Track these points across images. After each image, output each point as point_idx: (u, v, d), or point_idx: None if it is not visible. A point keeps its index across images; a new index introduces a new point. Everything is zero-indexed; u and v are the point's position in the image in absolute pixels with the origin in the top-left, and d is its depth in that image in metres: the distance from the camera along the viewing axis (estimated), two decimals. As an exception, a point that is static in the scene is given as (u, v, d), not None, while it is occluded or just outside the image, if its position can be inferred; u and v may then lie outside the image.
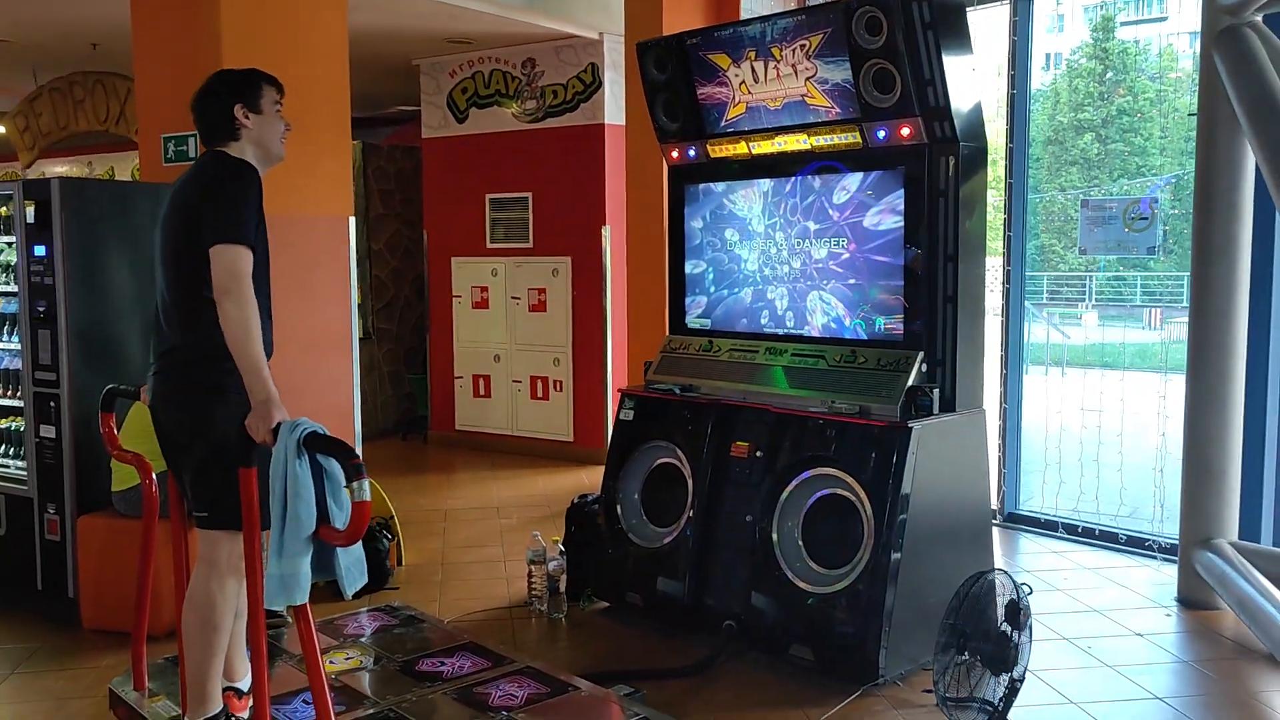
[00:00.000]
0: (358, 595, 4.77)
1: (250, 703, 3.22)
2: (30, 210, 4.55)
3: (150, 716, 3.39)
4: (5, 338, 4.85)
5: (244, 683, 3.34)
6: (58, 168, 11.35)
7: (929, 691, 3.67)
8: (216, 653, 3.10)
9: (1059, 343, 10.21)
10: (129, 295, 4.76)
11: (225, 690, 3.23)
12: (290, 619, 3.99)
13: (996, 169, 6.24)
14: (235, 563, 3.05)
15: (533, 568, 4.80)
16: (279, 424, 2.79)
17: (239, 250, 2.91)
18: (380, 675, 3.79)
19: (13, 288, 4.75)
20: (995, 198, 6.40)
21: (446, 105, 8.65)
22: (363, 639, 4.16)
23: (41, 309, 4.59)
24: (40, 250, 4.56)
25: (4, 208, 4.79)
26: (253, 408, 2.84)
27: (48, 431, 4.63)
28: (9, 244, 4.81)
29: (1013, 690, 3.39)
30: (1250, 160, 4.60)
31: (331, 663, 3.83)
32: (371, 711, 3.43)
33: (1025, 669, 3.41)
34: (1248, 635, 4.37)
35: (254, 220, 3.01)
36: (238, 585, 3.09)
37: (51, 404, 4.60)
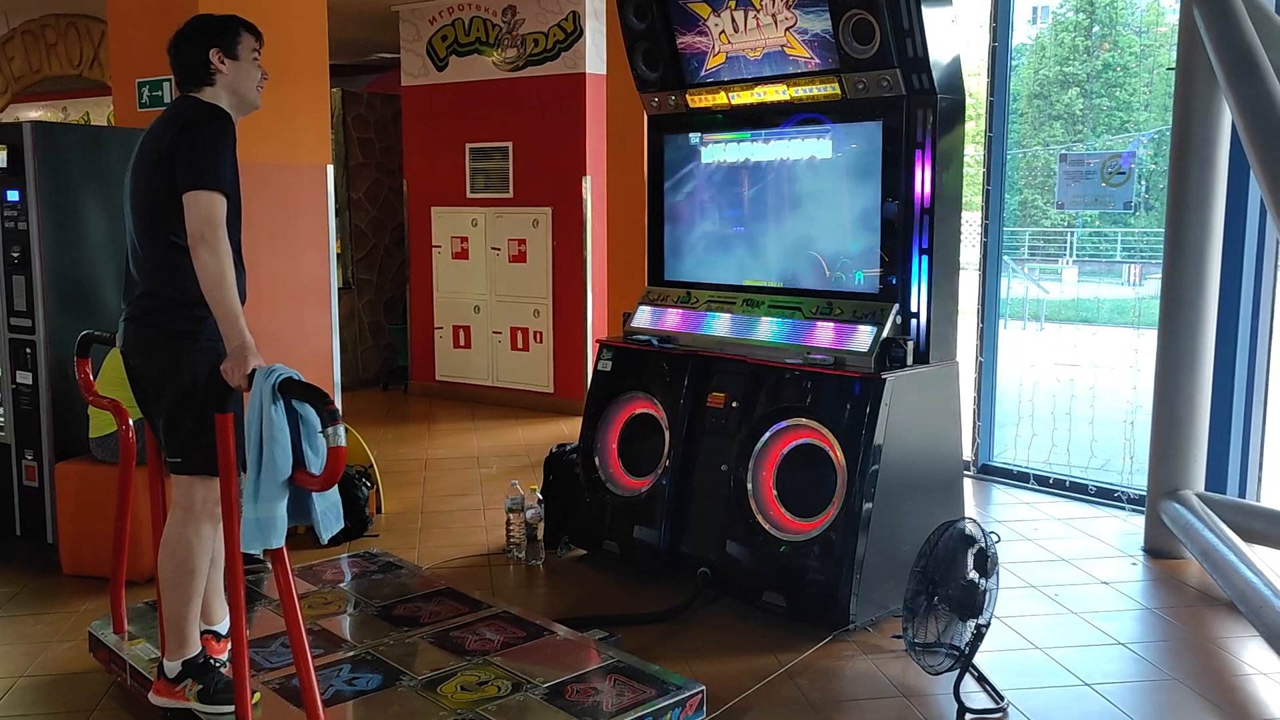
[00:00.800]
0: (336, 542, 4.86)
1: (228, 646, 3.26)
2: (2, 155, 4.50)
3: (130, 659, 3.43)
4: (-21, 284, 4.82)
5: (222, 626, 3.38)
6: (32, 113, 11.19)
7: (898, 637, 3.75)
8: (194, 597, 3.13)
9: (1038, 298, 10.28)
10: (104, 241, 4.73)
11: (203, 633, 3.26)
12: (267, 562, 4.03)
13: (979, 123, 6.24)
14: (210, 508, 3.07)
15: (511, 516, 4.85)
16: (254, 370, 2.80)
17: (214, 196, 2.88)
18: (358, 620, 3.84)
19: (-14, 233, 4.71)
20: (977, 151, 6.41)
21: (426, 53, 8.56)
22: (341, 584, 4.20)
23: (15, 255, 4.56)
24: (13, 195, 4.52)
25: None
26: (228, 353, 2.85)
27: (24, 378, 4.62)
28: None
29: (979, 635, 3.46)
30: (1226, 115, 4.62)
31: (310, 607, 3.87)
32: (349, 655, 3.48)
33: (992, 615, 3.48)
34: (1211, 584, 4.47)
35: (229, 166, 2.98)
36: (213, 530, 3.12)
37: (27, 350, 4.59)
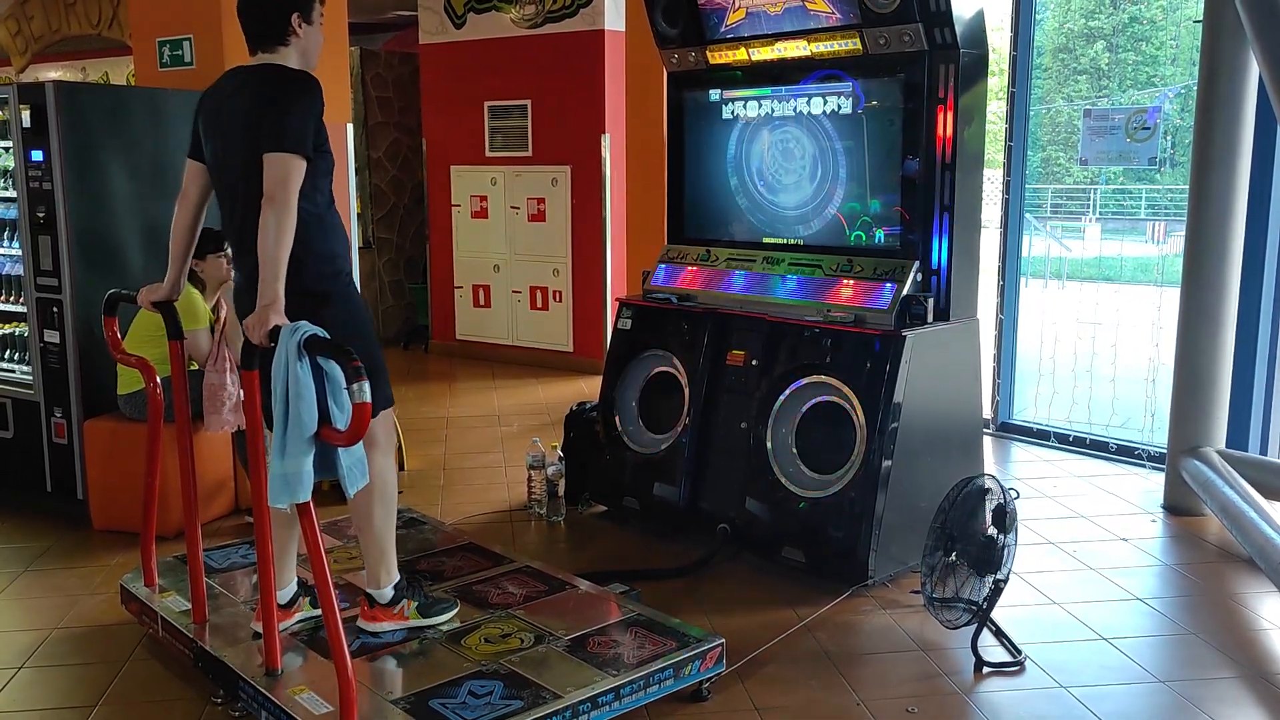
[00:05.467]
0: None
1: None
2: (26, 115, 4.53)
3: (161, 611, 3.50)
4: (6, 243, 4.87)
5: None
6: (52, 73, 11.20)
7: (916, 592, 3.78)
8: (393, 522, 3.34)
9: (1060, 256, 10.20)
10: (128, 200, 4.76)
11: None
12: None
13: (1001, 79, 6.17)
14: (388, 436, 3.35)
15: (532, 473, 4.90)
16: (277, 328, 2.83)
17: (291, 159, 2.93)
18: (383, 574, 3.89)
19: (12, 193, 4.75)
20: (999, 107, 6.34)
21: (444, 10, 8.51)
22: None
23: (41, 214, 4.60)
24: (37, 155, 4.55)
25: (0, 112, 4.77)
26: (256, 309, 2.88)
27: (52, 337, 4.68)
28: (6, 149, 4.80)
29: (997, 591, 3.49)
30: (1254, 70, 4.55)
31: (336, 562, 3.93)
32: (375, 608, 3.53)
33: (1010, 571, 3.50)
34: (1230, 540, 4.47)
35: (312, 132, 3.01)
36: (393, 459, 3.37)
37: (54, 309, 4.65)
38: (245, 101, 3.06)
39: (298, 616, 3.38)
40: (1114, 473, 5.56)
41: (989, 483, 3.51)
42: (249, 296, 3.04)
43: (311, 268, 3.07)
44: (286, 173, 2.91)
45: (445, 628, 3.35)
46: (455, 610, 3.44)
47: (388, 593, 3.33)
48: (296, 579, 3.41)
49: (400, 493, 5.17)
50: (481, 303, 8.73)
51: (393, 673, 3.15)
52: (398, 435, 3.77)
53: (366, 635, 3.31)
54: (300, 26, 3.14)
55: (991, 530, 3.47)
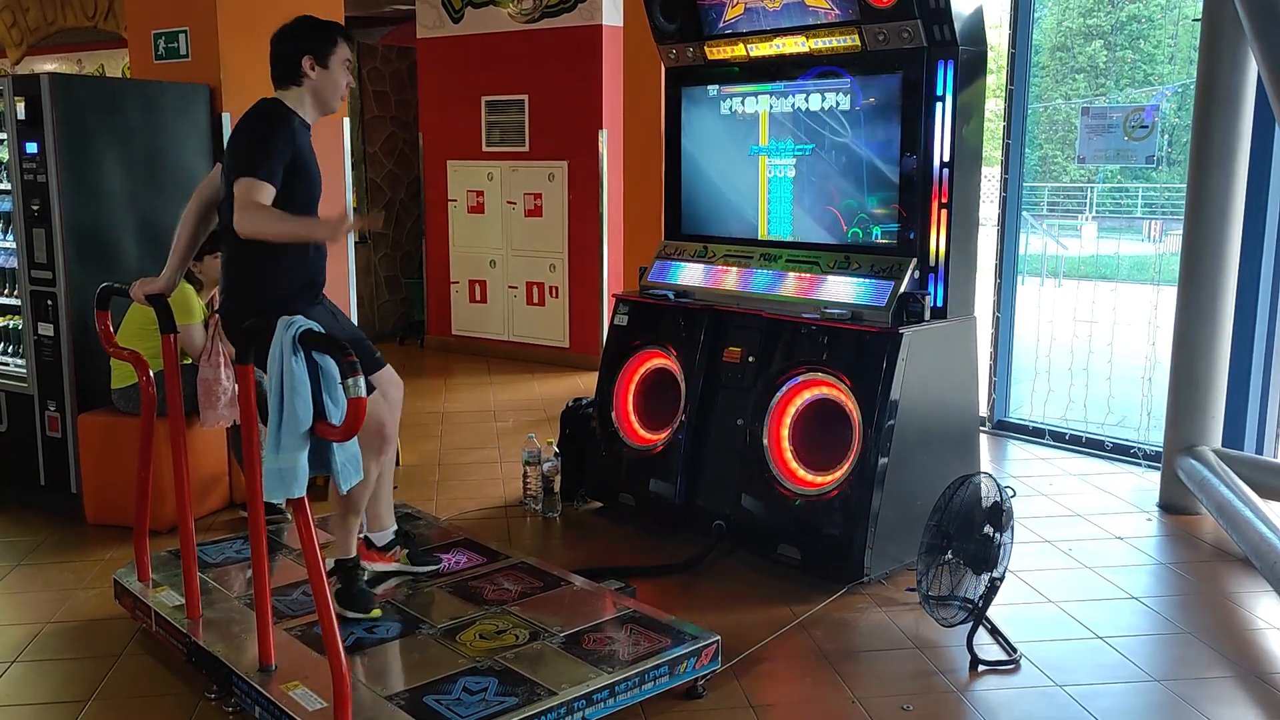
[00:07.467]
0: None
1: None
2: (21, 107, 4.51)
3: (154, 605, 3.49)
4: (0, 236, 4.85)
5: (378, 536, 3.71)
6: (47, 65, 11.15)
7: (912, 590, 3.77)
8: (390, 471, 3.64)
9: (1057, 254, 10.20)
10: (123, 192, 4.74)
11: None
12: (288, 513, 4.08)
13: (1000, 76, 6.16)
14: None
15: (528, 469, 4.89)
16: (346, 222, 3.06)
17: (253, 183, 3.02)
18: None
19: (6, 186, 4.73)
20: (997, 105, 6.34)
21: (442, 5, 8.48)
22: (361, 535, 4.24)
23: (35, 207, 4.57)
24: (32, 147, 4.53)
25: (-5, 104, 4.75)
26: (322, 237, 3.19)
27: (46, 330, 4.66)
28: (1, 141, 4.78)
29: (993, 589, 3.48)
30: (1252, 68, 4.55)
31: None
32: (369, 603, 3.53)
33: (1006, 569, 3.50)
34: (1226, 539, 4.48)
35: (278, 157, 3.10)
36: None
37: (49, 302, 4.63)
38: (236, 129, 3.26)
39: (394, 565, 3.69)
40: (1110, 471, 5.56)
41: (985, 481, 3.51)
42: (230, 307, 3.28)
43: (254, 301, 3.19)
44: (243, 194, 3.00)
45: (440, 624, 3.35)
46: (439, 566, 3.78)
47: (386, 535, 3.67)
48: (395, 526, 3.72)
49: (395, 488, 5.18)
50: (478, 298, 8.71)
51: (387, 669, 3.14)
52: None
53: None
54: (312, 69, 3.26)
55: (987, 528, 3.46)
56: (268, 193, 3.02)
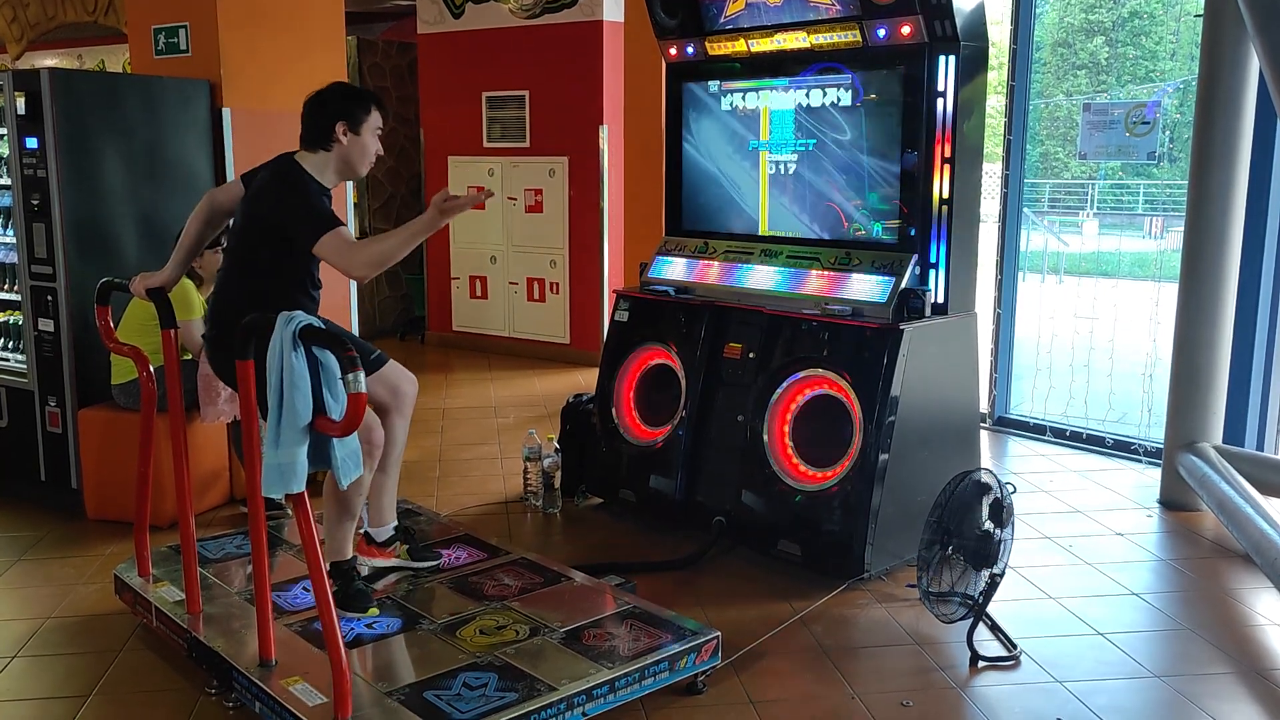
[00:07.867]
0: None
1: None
2: (21, 102, 4.50)
3: (155, 601, 3.49)
4: (0, 231, 4.85)
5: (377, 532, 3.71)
6: (47, 60, 11.15)
7: (912, 586, 3.78)
8: (395, 471, 3.66)
9: (1058, 250, 10.20)
10: (123, 187, 4.74)
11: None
12: (289, 509, 4.08)
13: (1001, 72, 6.15)
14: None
15: (528, 464, 4.89)
16: (451, 197, 3.20)
17: (328, 236, 3.09)
18: (378, 565, 3.89)
19: (6, 181, 4.72)
20: (998, 101, 6.33)
21: (443, 1, 8.47)
22: (361, 530, 4.24)
23: (35, 202, 4.57)
24: (32, 143, 4.53)
25: (-5, 99, 4.74)
26: (438, 227, 3.27)
27: (46, 325, 4.66)
28: (1, 136, 4.78)
29: (993, 585, 3.48)
30: (1254, 64, 4.54)
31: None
32: (370, 599, 3.53)
33: (1006, 565, 3.50)
34: (1226, 536, 4.47)
35: (327, 200, 3.25)
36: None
37: (49, 298, 4.62)
38: (263, 179, 3.29)
39: (394, 560, 3.69)
40: (1110, 467, 5.56)
41: (986, 477, 3.50)
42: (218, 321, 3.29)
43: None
44: (335, 249, 3.07)
45: (440, 619, 3.35)
46: (439, 561, 3.79)
47: (385, 531, 3.66)
48: (396, 522, 3.73)
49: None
50: (478, 294, 8.71)
51: (387, 664, 3.14)
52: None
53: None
54: (344, 135, 3.28)
55: (988, 525, 3.46)
56: (346, 231, 3.11)
